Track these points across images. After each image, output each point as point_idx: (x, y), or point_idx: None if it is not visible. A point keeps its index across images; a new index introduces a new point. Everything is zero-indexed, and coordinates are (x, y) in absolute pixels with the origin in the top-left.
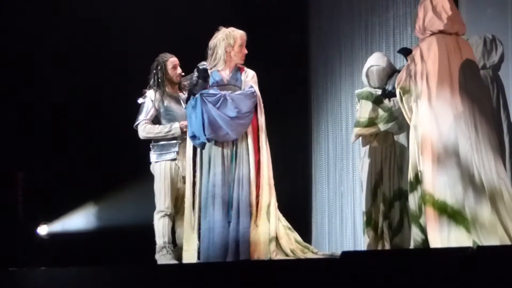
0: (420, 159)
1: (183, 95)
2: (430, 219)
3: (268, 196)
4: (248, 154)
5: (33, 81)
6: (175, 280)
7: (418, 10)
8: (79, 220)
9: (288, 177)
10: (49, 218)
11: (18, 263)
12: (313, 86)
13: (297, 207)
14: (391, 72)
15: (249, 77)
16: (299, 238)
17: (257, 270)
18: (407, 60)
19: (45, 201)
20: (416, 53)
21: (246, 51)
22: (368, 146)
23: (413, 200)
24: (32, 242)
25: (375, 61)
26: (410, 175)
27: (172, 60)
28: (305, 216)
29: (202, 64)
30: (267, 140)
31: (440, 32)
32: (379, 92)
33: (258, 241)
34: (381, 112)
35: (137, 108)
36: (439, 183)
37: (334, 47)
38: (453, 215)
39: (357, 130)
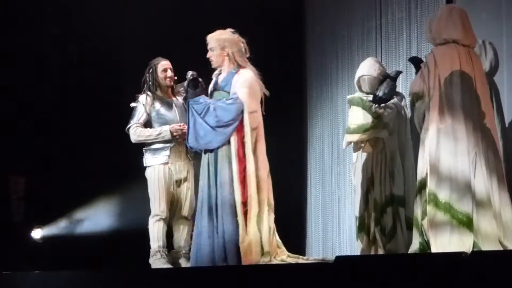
0: (428, 177)
1: (177, 100)
2: (432, 220)
3: (257, 205)
4: (230, 162)
5: (28, 84)
6: (168, 284)
7: (437, 16)
8: (73, 224)
9: (283, 182)
10: (43, 222)
11: (12, 266)
12: (308, 90)
13: (292, 212)
14: (382, 78)
15: (239, 82)
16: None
17: (249, 274)
18: (416, 69)
19: (39, 204)
20: (430, 60)
21: (247, 54)
22: (359, 152)
23: (416, 205)
24: (26, 245)
25: (367, 70)
26: (417, 178)
27: (162, 64)
28: (300, 221)
29: (191, 74)
30: (259, 146)
31: (454, 41)
32: (370, 97)
33: (249, 251)
34: (371, 118)
35: (130, 112)
36: (444, 190)
37: (330, 51)
38: (457, 218)
39: (347, 137)
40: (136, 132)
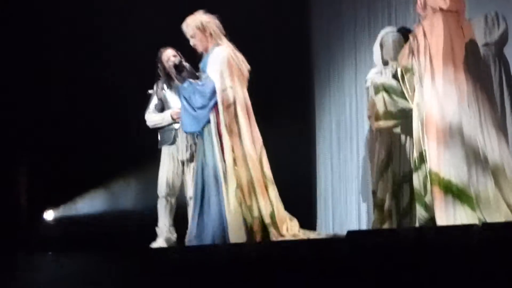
0: (425, 138)
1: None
2: (437, 198)
3: (234, 181)
4: (211, 141)
5: (37, 70)
6: (164, 266)
7: None
8: (85, 205)
9: (292, 161)
10: (56, 203)
11: (25, 249)
12: (315, 70)
13: (301, 192)
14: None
15: (211, 60)
16: (298, 225)
17: (259, 251)
18: (406, 39)
19: (51, 186)
20: (418, 31)
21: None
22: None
23: (417, 179)
24: (39, 227)
25: (390, 29)
26: (414, 153)
27: (166, 54)
28: (309, 201)
29: (172, 61)
30: (241, 122)
31: (441, 10)
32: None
33: (232, 227)
34: (402, 104)
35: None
36: (444, 162)
37: (335, 31)
38: (458, 194)
39: (384, 123)
40: (147, 118)
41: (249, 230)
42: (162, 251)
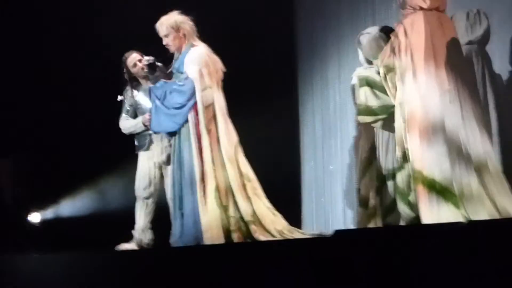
0: (407, 136)
1: None
2: (421, 196)
3: (213, 180)
4: (189, 140)
5: (22, 66)
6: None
7: None
8: (71, 206)
9: (276, 158)
10: (41, 205)
11: (10, 251)
12: (299, 66)
13: (286, 187)
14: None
15: (189, 60)
16: (284, 221)
17: (243, 251)
18: (388, 38)
19: (36, 187)
20: (399, 30)
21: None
22: (361, 124)
23: (400, 178)
24: (24, 229)
25: (368, 29)
26: (397, 152)
27: (131, 59)
28: (294, 196)
29: (146, 59)
30: (219, 122)
31: (421, 8)
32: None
33: (209, 227)
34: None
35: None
36: (427, 160)
37: (319, 26)
38: (441, 191)
39: (362, 118)
40: (121, 126)
41: (225, 230)
42: (126, 253)
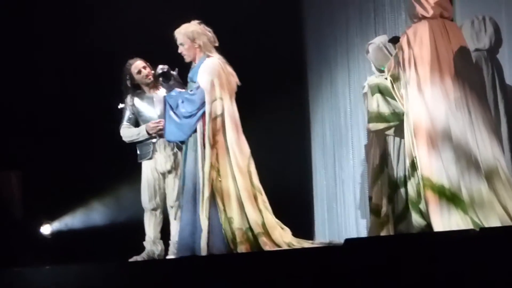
0: (415, 145)
1: (157, 95)
2: (431, 203)
3: (208, 190)
4: (195, 150)
5: (31, 78)
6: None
7: None
8: (82, 218)
9: (287, 167)
10: (52, 217)
11: (22, 263)
12: (308, 75)
13: (297, 197)
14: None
15: (202, 71)
16: (291, 236)
17: (253, 261)
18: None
19: (47, 200)
20: (403, 40)
21: (216, 43)
22: (372, 132)
23: (411, 187)
24: (36, 241)
25: (374, 39)
26: (407, 161)
27: (135, 66)
28: (306, 206)
29: (160, 68)
30: (228, 134)
31: (424, 17)
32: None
33: (204, 237)
34: (395, 107)
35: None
36: (435, 168)
37: (328, 35)
38: (451, 198)
39: (374, 125)
40: (122, 134)
41: (229, 242)
42: (140, 264)
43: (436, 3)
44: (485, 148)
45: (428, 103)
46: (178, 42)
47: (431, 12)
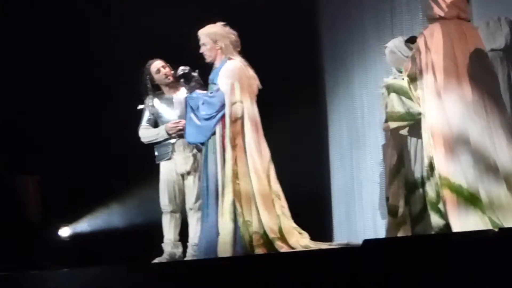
0: (432, 146)
1: (177, 96)
2: (449, 202)
3: (230, 194)
4: (215, 153)
5: (48, 82)
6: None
7: None
8: (100, 220)
9: (304, 168)
10: (70, 220)
11: (40, 266)
12: (325, 76)
13: (315, 198)
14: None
15: (222, 73)
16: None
17: (272, 263)
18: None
19: (65, 203)
20: (420, 41)
21: (238, 47)
22: (389, 132)
23: (429, 187)
24: (54, 244)
25: (389, 43)
26: (425, 162)
27: (154, 65)
28: (324, 207)
29: (181, 69)
30: (248, 137)
31: (441, 17)
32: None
33: (224, 240)
34: (409, 105)
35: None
36: (453, 168)
37: (344, 35)
38: (469, 197)
39: (389, 124)
40: (141, 135)
41: (247, 245)
42: (162, 266)
43: (453, 4)
44: (503, 151)
45: (446, 108)
46: (201, 42)
47: (448, 12)
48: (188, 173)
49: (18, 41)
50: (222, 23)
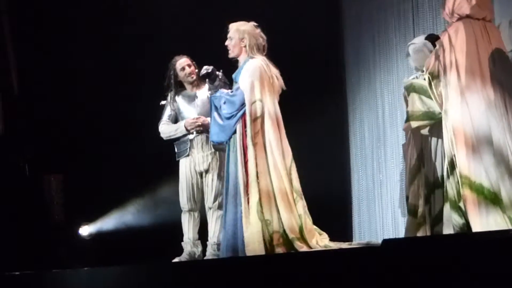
0: (454, 145)
1: (200, 93)
2: (469, 201)
3: (257, 193)
4: (235, 152)
5: (74, 82)
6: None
7: None
8: (120, 219)
9: (325, 168)
10: (90, 218)
11: (61, 264)
12: (347, 75)
13: (336, 198)
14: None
15: (244, 72)
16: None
17: (289, 262)
18: (434, 46)
19: (86, 202)
20: (444, 39)
21: (264, 52)
22: (410, 132)
23: (450, 186)
24: (75, 243)
25: (415, 39)
26: (446, 160)
27: (180, 62)
28: (344, 207)
29: (205, 69)
30: (269, 135)
31: (467, 16)
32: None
33: (251, 240)
34: (431, 106)
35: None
36: (474, 167)
37: (367, 35)
38: (489, 197)
39: (409, 123)
40: (161, 130)
41: (267, 244)
42: (181, 265)
43: (484, 5)
44: None
45: (469, 107)
46: (228, 34)
47: (475, 12)
48: (207, 171)
49: (46, 40)
50: (255, 23)
